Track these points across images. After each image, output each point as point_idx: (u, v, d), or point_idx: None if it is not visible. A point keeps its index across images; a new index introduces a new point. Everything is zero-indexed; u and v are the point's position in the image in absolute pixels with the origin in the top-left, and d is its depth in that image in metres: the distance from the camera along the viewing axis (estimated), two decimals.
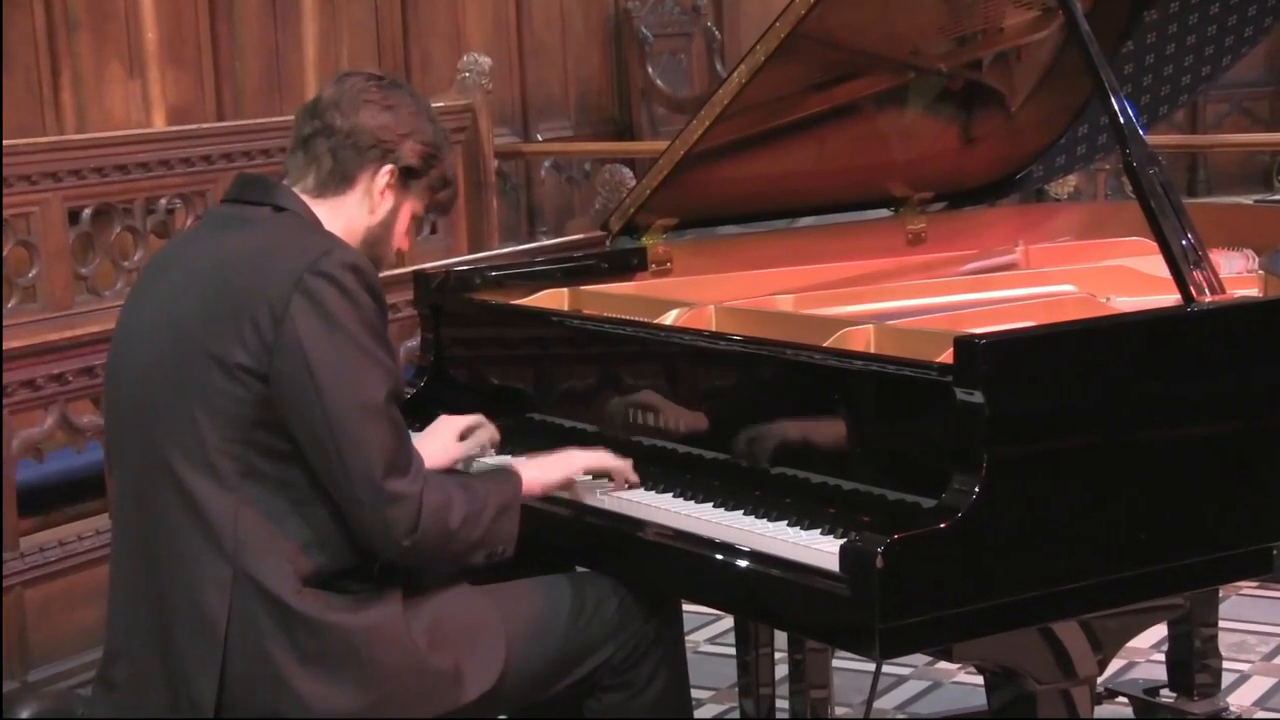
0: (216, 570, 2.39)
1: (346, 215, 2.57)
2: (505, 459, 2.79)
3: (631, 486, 2.68)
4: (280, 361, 2.38)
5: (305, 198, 2.55)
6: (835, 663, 3.31)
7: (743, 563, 2.42)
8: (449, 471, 2.73)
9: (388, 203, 2.59)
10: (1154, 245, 2.63)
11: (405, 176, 2.59)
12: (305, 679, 2.39)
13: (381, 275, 2.52)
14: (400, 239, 2.64)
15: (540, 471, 2.65)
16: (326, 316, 2.38)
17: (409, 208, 2.63)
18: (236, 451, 2.39)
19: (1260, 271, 2.85)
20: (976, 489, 2.25)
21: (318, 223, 2.54)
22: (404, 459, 2.42)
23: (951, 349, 2.33)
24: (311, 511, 2.42)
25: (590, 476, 2.70)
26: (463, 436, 2.79)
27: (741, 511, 2.52)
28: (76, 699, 3.69)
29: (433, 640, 2.47)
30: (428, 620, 2.48)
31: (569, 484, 2.68)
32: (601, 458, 2.69)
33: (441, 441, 2.77)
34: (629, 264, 3.30)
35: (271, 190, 2.56)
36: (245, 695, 2.40)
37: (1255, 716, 3.84)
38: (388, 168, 2.57)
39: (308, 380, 2.37)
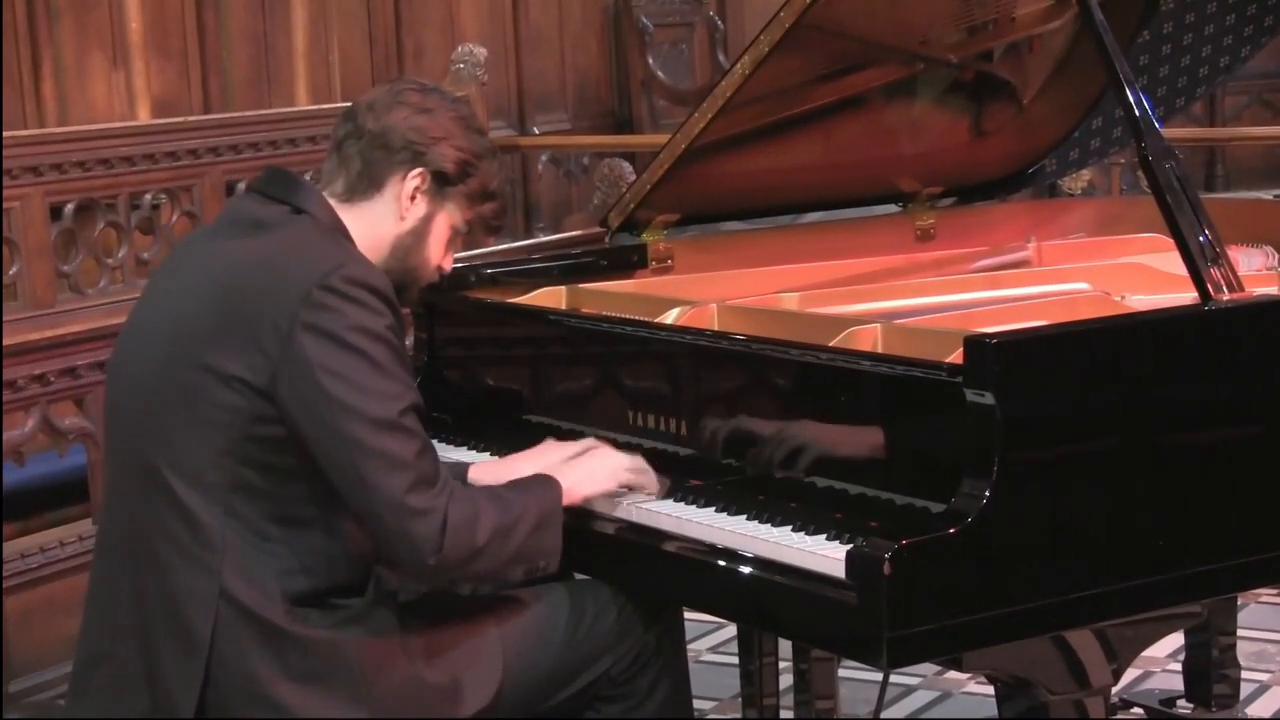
0: (202, 583, 2.35)
1: (374, 221, 2.51)
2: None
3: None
4: (288, 380, 2.32)
5: (333, 202, 2.50)
6: (841, 672, 3.38)
7: (746, 569, 2.40)
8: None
9: (418, 209, 2.52)
10: (1170, 242, 2.61)
11: (439, 183, 2.52)
12: (295, 695, 2.35)
13: None
14: (439, 254, 2.56)
15: (583, 477, 2.56)
16: (335, 334, 2.32)
17: (445, 219, 2.55)
18: (227, 464, 2.36)
19: None
20: (987, 493, 2.23)
21: (339, 228, 2.48)
22: (427, 472, 2.36)
23: (961, 349, 2.32)
24: (303, 528, 2.39)
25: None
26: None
27: (745, 516, 2.49)
28: (59, 710, 3.68)
29: (428, 654, 2.44)
30: (423, 634, 2.45)
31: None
32: (638, 463, 2.61)
33: (543, 464, 2.61)
34: (629, 261, 3.28)
35: (295, 189, 2.50)
36: (228, 709, 2.37)
37: None
38: (418, 171, 2.50)
39: (320, 399, 2.31)
